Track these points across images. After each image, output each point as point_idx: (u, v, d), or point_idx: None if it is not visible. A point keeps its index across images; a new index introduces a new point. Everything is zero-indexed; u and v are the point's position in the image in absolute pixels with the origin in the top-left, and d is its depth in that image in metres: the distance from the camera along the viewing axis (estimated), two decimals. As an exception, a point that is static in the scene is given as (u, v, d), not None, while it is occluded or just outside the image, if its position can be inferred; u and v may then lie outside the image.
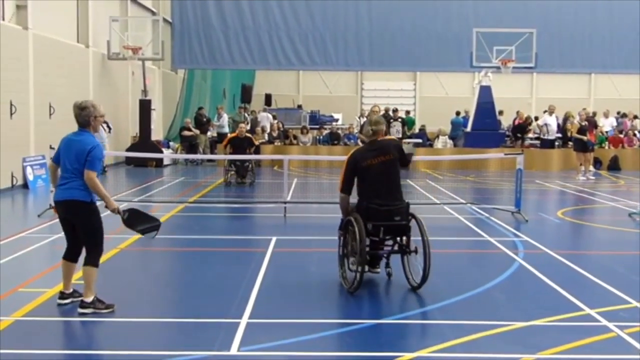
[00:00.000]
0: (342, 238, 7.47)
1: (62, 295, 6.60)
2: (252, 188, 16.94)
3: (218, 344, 5.52)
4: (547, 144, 24.30)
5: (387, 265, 7.58)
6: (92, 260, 6.42)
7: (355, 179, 7.30)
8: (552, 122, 24.47)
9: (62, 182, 6.43)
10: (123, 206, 7.13)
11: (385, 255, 7.54)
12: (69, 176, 6.38)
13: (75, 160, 6.34)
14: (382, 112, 22.05)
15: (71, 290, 6.63)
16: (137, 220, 6.73)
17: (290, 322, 6.18)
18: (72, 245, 6.59)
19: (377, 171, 7.16)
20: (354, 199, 7.44)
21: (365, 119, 28.77)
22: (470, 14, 26.70)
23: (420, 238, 7.17)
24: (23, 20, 17.05)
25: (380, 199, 7.15)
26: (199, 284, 7.61)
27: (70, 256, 6.60)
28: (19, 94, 16.41)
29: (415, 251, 7.28)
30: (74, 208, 6.38)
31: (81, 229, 6.46)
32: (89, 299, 6.34)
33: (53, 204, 6.70)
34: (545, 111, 25.97)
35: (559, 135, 25.17)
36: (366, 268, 7.28)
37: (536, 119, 27.13)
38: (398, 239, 7.43)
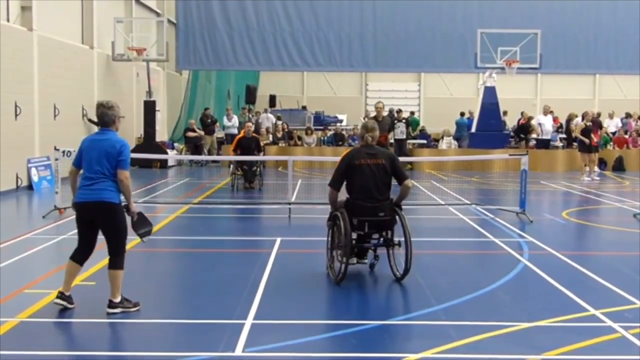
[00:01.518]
0: (330, 230, 7.85)
1: (62, 296, 6.44)
2: (258, 189, 16.87)
3: (223, 345, 5.52)
4: (542, 144, 24.26)
5: (375, 257, 7.97)
6: (119, 264, 6.40)
7: (346, 177, 7.68)
8: (547, 122, 24.50)
9: (88, 183, 6.34)
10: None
11: (372, 247, 7.92)
12: (97, 177, 6.30)
13: (105, 159, 6.29)
14: (387, 111, 21.93)
15: (69, 293, 6.48)
16: (141, 223, 6.74)
17: (294, 323, 6.18)
18: (85, 248, 6.51)
19: (367, 171, 7.54)
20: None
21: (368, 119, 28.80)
22: (474, 15, 26.70)
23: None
24: (28, 22, 17.09)
25: (366, 196, 7.53)
26: (204, 284, 7.62)
27: (80, 258, 6.52)
28: (24, 95, 16.45)
29: (399, 244, 7.65)
30: (104, 209, 6.32)
31: (108, 231, 6.41)
32: (117, 299, 6.36)
33: (72, 206, 6.54)
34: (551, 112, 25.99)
35: (564, 135, 25.15)
36: (354, 260, 7.78)
37: (529, 119, 26.89)
38: (383, 233, 7.81)
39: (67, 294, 6.47)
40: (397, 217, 7.66)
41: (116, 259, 6.41)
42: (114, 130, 6.51)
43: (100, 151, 6.32)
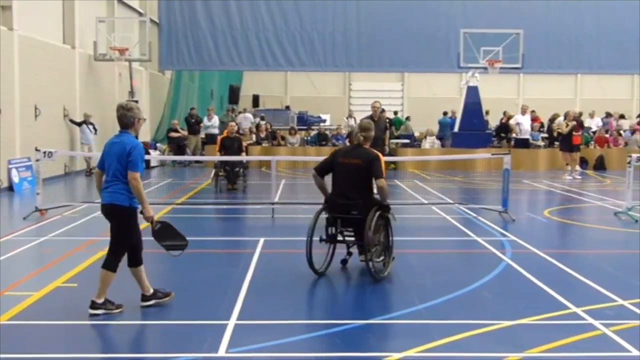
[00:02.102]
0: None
1: (143, 297, 6.55)
2: (241, 191, 16.69)
3: (206, 345, 5.51)
4: (521, 143, 24.39)
5: (348, 253, 8.09)
6: (111, 265, 6.37)
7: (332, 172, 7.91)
8: (525, 121, 24.65)
9: (105, 186, 6.40)
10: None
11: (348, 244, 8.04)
12: (111, 179, 6.33)
13: (117, 162, 6.28)
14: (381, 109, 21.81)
15: (151, 291, 6.57)
16: (166, 234, 6.70)
17: (278, 323, 6.18)
18: (129, 250, 6.49)
19: (343, 170, 7.71)
20: None
21: (352, 119, 28.66)
22: (458, 15, 26.79)
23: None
24: (8, 21, 16.95)
25: (339, 194, 7.73)
26: (187, 285, 7.59)
27: (132, 262, 6.52)
28: (4, 95, 16.30)
29: (378, 244, 7.67)
30: (112, 212, 6.35)
31: (112, 232, 6.43)
32: (101, 300, 6.32)
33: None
34: (532, 111, 26.16)
35: (545, 135, 25.31)
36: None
37: (509, 118, 26.94)
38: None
39: (148, 294, 6.55)
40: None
41: (109, 258, 6.40)
42: (133, 133, 6.48)
43: (114, 154, 6.34)
